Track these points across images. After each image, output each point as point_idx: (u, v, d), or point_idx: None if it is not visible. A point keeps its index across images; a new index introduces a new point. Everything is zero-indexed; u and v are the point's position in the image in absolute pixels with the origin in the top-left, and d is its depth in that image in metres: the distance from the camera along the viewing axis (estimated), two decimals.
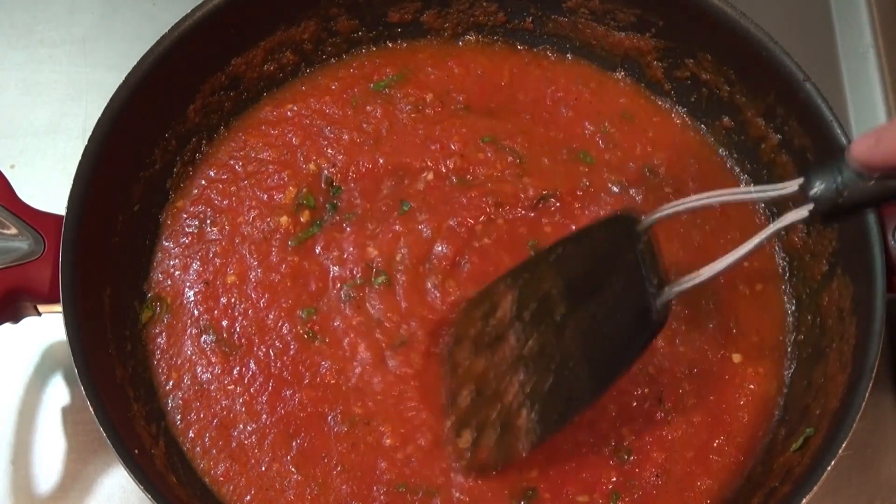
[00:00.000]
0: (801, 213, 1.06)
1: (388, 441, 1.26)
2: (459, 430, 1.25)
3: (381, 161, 1.41)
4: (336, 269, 1.34)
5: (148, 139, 1.35)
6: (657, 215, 1.16)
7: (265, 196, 1.39)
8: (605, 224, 1.23)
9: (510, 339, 1.22)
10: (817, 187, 1.05)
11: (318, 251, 1.36)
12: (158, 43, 1.31)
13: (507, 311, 1.23)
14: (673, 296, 1.12)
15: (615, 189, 1.41)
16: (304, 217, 1.37)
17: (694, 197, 1.15)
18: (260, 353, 1.30)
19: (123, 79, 1.28)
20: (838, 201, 1.04)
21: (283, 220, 1.37)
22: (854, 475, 1.40)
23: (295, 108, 1.46)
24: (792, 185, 1.08)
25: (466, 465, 1.24)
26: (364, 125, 1.44)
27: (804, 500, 1.13)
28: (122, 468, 1.13)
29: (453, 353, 1.28)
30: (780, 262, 1.40)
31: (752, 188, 1.30)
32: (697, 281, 1.11)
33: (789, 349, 1.35)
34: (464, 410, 1.25)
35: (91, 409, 1.13)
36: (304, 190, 1.39)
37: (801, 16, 1.71)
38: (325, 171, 1.40)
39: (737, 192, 1.26)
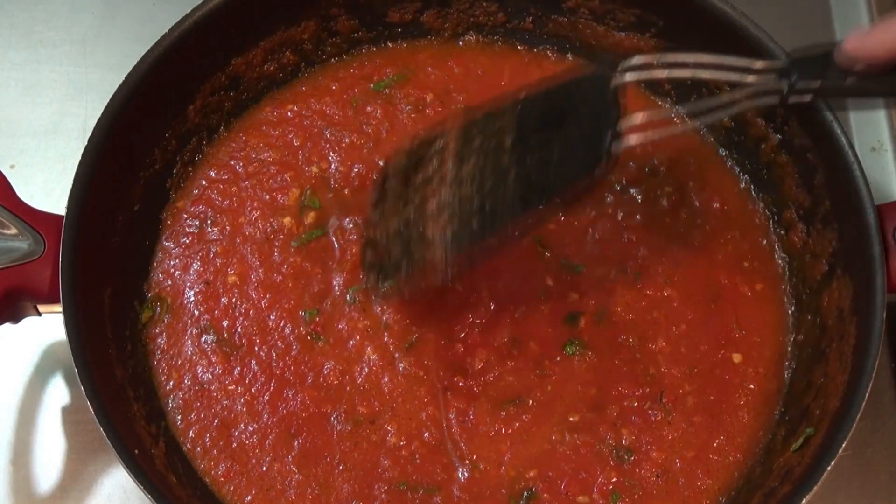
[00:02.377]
0: (777, 86, 1.14)
1: (392, 439, 1.26)
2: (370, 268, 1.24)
3: (382, 163, 1.41)
4: (340, 272, 1.34)
5: (148, 139, 1.35)
6: (628, 78, 1.17)
7: (267, 197, 1.39)
8: (574, 82, 1.22)
9: (447, 164, 1.17)
10: (799, 72, 1.13)
11: (321, 253, 1.36)
12: (158, 43, 1.31)
13: (452, 144, 1.19)
14: (623, 147, 1.15)
15: (616, 187, 1.41)
16: (309, 219, 1.38)
17: (670, 58, 1.19)
18: (261, 353, 1.30)
19: (123, 79, 1.28)
20: (812, 86, 1.12)
21: (287, 220, 1.37)
22: (854, 475, 1.40)
23: (295, 109, 1.46)
24: (776, 64, 1.15)
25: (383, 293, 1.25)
26: (364, 126, 1.44)
27: (804, 501, 1.13)
28: (122, 468, 1.13)
29: (381, 190, 1.23)
30: (780, 262, 1.40)
31: (732, 58, 1.20)
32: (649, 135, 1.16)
33: (789, 349, 1.35)
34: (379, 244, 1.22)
35: (91, 409, 1.13)
36: (308, 192, 1.39)
37: (801, 16, 1.70)
38: (327, 173, 1.41)
39: (714, 62, 1.20)
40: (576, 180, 1.17)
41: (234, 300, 1.33)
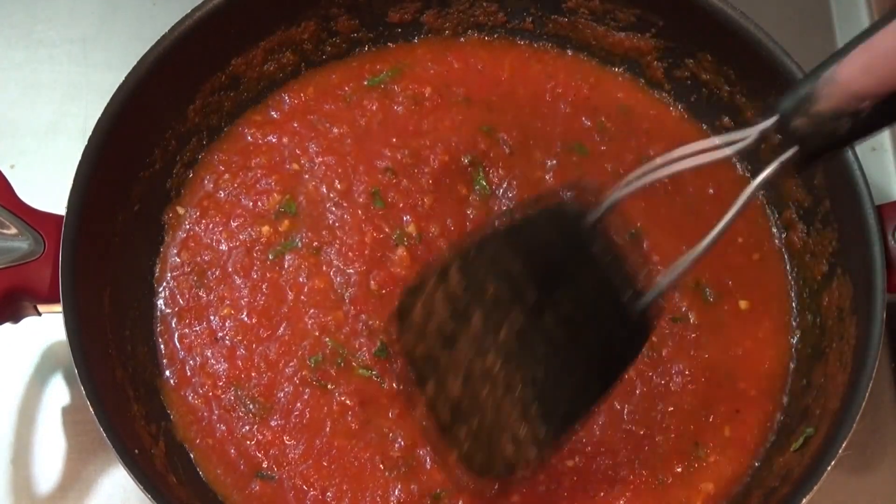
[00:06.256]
0: (786, 154, 0.92)
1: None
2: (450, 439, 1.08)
3: (378, 162, 1.40)
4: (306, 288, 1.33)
5: (148, 139, 1.35)
6: (605, 205, 1.00)
7: (268, 198, 1.38)
8: (549, 215, 1.06)
9: (473, 321, 1.03)
10: (797, 122, 0.89)
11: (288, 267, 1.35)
12: (158, 43, 1.31)
13: (457, 286, 1.04)
14: (651, 300, 1.00)
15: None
16: (283, 227, 1.37)
17: (642, 169, 0.97)
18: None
19: (123, 79, 1.28)
20: (827, 132, 0.87)
21: (287, 223, 1.36)
22: (854, 475, 1.40)
23: (296, 109, 1.46)
24: (763, 125, 0.92)
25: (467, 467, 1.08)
26: (361, 121, 1.43)
27: (804, 501, 1.13)
28: (122, 468, 1.13)
29: (409, 351, 1.09)
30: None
31: (715, 139, 1.01)
32: (674, 276, 0.96)
33: (789, 349, 1.35)
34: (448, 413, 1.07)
35: (91, 409, 1.13)
36: (289, 197, 1.38)
37: (801, 16, 1.70)
38: (329, 172, 1.40)
39: (696, 149, 1.00)
40: (627, 356, 1.04)
41: (233, 334, 1.32)
